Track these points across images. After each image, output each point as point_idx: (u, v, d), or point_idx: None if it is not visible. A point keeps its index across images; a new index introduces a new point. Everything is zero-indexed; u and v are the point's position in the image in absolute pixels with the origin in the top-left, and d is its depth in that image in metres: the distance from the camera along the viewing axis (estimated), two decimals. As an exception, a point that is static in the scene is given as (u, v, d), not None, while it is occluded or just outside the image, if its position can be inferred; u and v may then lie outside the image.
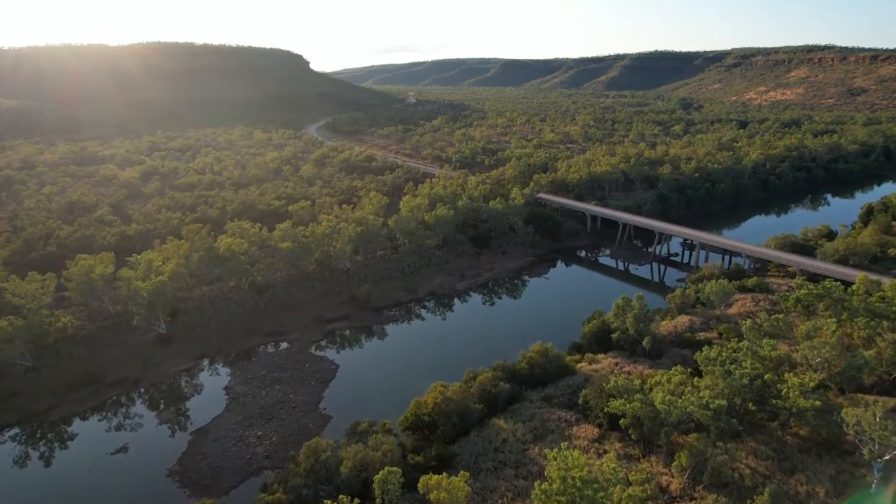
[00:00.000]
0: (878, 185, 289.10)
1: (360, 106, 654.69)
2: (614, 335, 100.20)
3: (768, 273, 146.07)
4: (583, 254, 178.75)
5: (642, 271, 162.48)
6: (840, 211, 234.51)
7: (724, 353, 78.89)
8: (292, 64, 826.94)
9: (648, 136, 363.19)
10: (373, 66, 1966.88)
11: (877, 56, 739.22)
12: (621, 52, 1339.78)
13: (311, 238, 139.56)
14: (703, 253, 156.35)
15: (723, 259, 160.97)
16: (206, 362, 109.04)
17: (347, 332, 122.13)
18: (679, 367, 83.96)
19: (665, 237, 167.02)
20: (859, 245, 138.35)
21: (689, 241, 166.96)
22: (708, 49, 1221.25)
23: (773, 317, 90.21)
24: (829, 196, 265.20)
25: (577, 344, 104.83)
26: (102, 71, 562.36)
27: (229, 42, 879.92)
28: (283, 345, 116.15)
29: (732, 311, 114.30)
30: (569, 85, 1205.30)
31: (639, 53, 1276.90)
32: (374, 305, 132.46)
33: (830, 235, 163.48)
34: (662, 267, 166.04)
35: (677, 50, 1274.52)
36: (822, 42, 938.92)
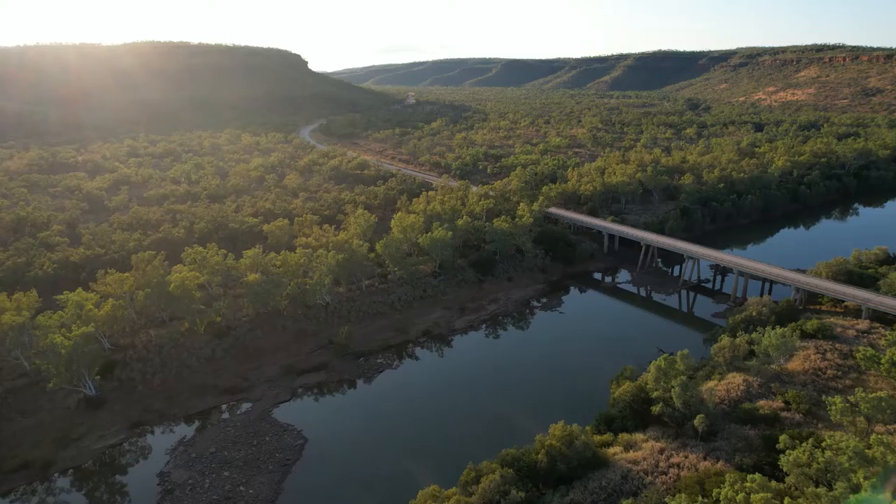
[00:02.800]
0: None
1: (357, 107, 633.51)
2: (655, 407, 78.56)
3: (821, 306, 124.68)
4: (599, 276, 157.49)
5: (669, 300, 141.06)
6: (879, 225, 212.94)
7: (818, 459, 57.49)
8: (289, 64, 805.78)
9: (661, 140, 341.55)
10: (374, 66, 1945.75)
11: (891, 55, 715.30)
12: (624, 51, 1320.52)
13: (284, 268, 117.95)
14: (740, 280, 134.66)
15: (762, 287, 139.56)
16: (142, 434, 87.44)
17: (322, 388, 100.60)
18: (746, 459, 63.21)
19: (695, 261, 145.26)
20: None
21: (722, 266, 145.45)
22: (713, 49, 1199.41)
23: (872, 396, 68.37)
24: (859, 207, 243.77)
25: (606, 415, 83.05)
26: (99, 70, 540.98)
27: (225, 41, 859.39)
28: (244, 406, 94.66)
29: (794, 365, 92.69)
30: (571, 85, 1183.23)
31: (642, 53, 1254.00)
32: (356, 350, 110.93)
33: (889, 261, 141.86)
34: (692, 294, 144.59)
35: (681, 49, 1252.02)
36: (831, 41, 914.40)
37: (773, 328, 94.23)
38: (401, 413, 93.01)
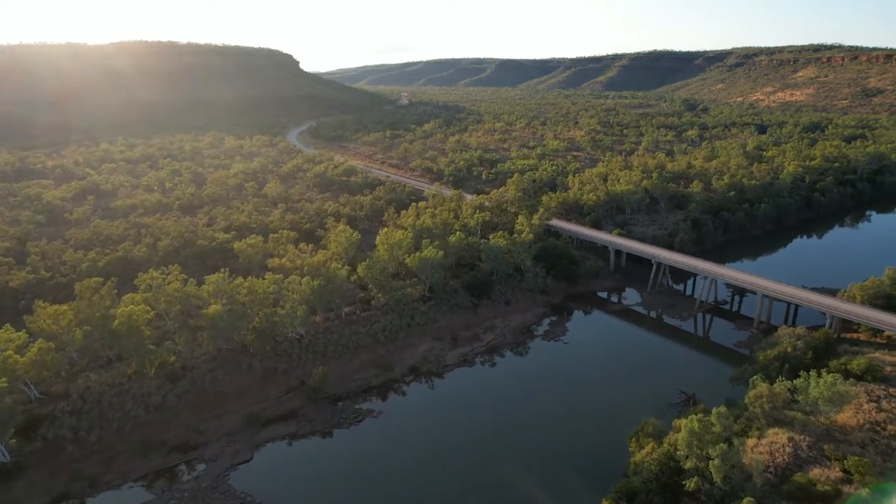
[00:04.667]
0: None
1: (348, 108, 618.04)
2: (689, 482, 64.32)
3: (857, 335, 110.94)
4: (605, 295, 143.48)
5: (685, 325, 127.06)
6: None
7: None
8: (280, 64, 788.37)
9: (663, 143, 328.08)
10: (367, 67, 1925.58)
11: (891, 55, 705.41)
12: (619, 51, 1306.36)
13: (251, 297, 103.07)
14: (764, 302, 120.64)
15: (787, 310, 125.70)
16: (67, 511, 72.46)
17: (291, 442, 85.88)
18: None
19: (712, 281, 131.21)
20: None
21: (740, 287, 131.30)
22: (708, 48, 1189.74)
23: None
24: (873, 214, 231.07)
25: (628, 487, 68.43)
26: (89, 70, 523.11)
27: (216, 41, 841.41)
28: (198, 468, 79.89)
29: (845, 418, 78.57)
30: (566, 85, 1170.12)
31: (637, 53, 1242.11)
32: (332, 393, 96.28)
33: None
34: (709, 318, 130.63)
35: (677, 49, 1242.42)
36: (827, 41, 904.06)
37: (817, 373, 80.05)
38: (385, 476, 78.37)
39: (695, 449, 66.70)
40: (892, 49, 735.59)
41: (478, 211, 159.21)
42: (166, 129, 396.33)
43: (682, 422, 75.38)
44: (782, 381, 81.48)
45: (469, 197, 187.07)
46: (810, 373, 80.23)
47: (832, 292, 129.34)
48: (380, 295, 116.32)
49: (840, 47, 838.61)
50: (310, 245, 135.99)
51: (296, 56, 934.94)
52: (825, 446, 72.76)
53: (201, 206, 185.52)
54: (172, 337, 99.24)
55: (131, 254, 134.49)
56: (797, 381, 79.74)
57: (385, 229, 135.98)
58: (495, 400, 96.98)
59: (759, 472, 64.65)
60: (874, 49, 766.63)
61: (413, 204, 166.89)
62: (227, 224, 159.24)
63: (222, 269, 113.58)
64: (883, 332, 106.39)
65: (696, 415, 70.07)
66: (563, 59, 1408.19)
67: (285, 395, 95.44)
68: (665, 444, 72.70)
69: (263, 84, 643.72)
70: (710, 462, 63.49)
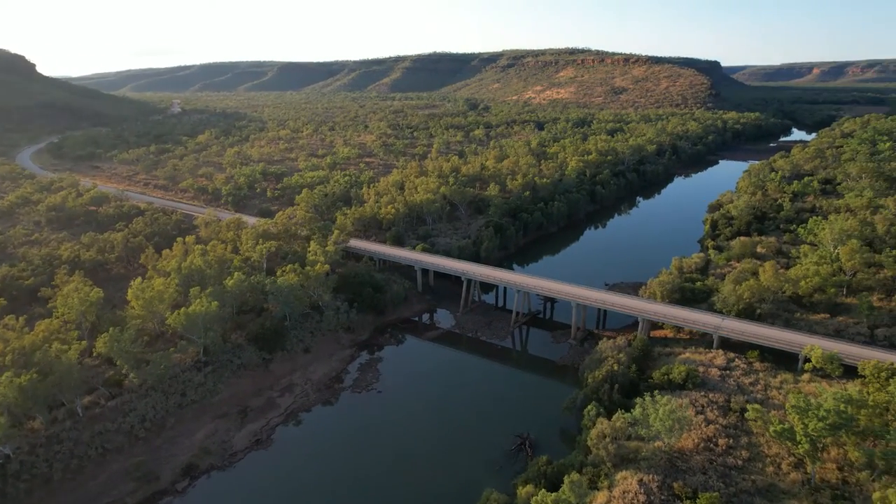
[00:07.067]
0: (671, 182, 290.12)
1: (104, 119, 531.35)
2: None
3: (664, 332, 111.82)
4: (418, 319, 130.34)
5: (505, 342, 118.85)
6: (666, 218, 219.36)
7: None
8: (7, 66, 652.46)
9: (454, 145, 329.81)
10: (131, 71, 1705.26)
11: (629, 59, 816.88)
12: (402, 53, 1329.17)
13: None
14: (579, 310, 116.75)
15: (599, 314, 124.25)
16: None
17: None
18: None
19: (525, 294, 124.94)
20: (763, 289, 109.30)
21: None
22: (483, 51, 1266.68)
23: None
24: (641, 200, 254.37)
25: None
26: None
27: None
28: None
29: (683, 440, 73.68)
30: (352, 88, 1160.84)
31: (419, 55, 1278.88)
32: (62, 539, 67.56)
33: (705, 268, 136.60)
34: (527, 331, 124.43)
35: (455, 52, 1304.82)
36: (581, 45, 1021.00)
37: (651, 395, 74.25)
38: None
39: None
40: (629, 53, 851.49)
41: (261, 240, 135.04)
42: None
43: (527, 489, 63.77)
44: (622, 413, 74.42)
45: (252, 221, 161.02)
46: (645, 398, 74.16)
47: (635, 288, 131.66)
48: (133, 375, 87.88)
49: (590, 51, 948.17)
50: (22, 317, 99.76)
51: (30, 58, 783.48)
52: (674, 483, 66.20)
53: None
54: None
55: None
56: (635, 412, 72.90)
57: (136, 282, 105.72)
58: (295, 493, 76.47)
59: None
60: (616, 53, 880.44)
61: (179, 240, 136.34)
62: None
63: None
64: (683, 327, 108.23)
65: (542, 482, 58.09)
66: (348, 61, 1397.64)
67: (-19, 560, 64.46)
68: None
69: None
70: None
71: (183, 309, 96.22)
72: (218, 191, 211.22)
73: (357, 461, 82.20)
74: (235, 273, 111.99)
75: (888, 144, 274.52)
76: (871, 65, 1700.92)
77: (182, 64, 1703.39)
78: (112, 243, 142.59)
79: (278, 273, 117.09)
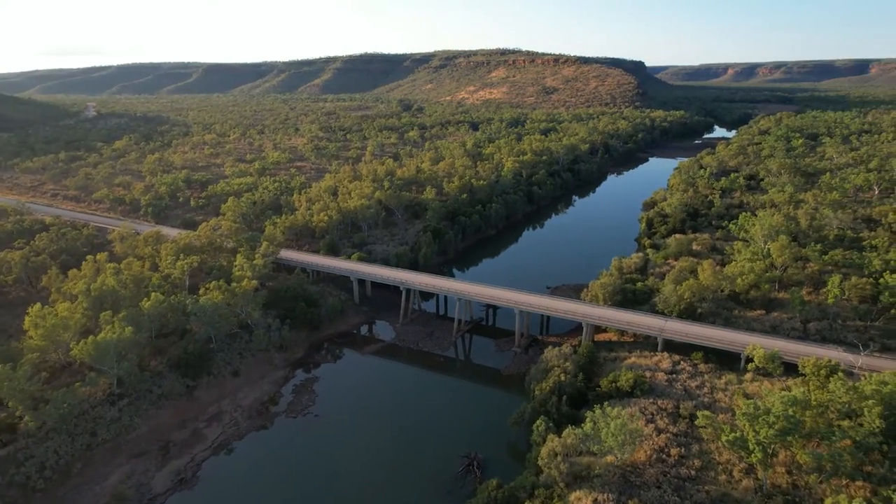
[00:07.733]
0: (605, 180, 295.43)
1: (6, 124, 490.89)
2: None
3: (608, 334, 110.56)
4: (356, 332, 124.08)
5: (448, 352, 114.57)
6: (603, 216, 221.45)
7: None
8: None
9: (388, 147, 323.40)
10: (39, 72, 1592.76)
11: (558, 59, 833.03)
12: (332, 54, 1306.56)
13: None
14: (522, 316, 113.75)
15: (542, 319, 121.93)
16: None
17: None
18: None
19: (466, 302, 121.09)
20: (703, 288, 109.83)
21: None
22: (415, 51, 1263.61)
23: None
24: (576, 198, 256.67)
25: None
26: None
27: None
28: None
29: (638, 455, 71.29)
30: (282, 89, 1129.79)
31: (350, 56, 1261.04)
32: None
33: (645, 267, 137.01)
34: (470, 340, 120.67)
35: (387, 52, 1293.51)
36: (512, 46, 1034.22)
37: (601, 408, 71.66)
38: None
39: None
40: (559, 54, 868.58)
41: (183, 255, 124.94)
42: None
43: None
44: (572, 429, 71.25)
45: (173, 234, 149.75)
46: (595, 410, 71.45)
47: (577, 290, 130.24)
48: (28, 417, 77.65)
49: (521, 52, 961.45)
50: None
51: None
52: (629, 502, 63.48)
53: None
54: None
55: None
56: (586, 427, 69.92)
57: (35, 308, 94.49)
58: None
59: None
60: (546, 54, 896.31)
61: (89, 257, 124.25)
62: None
63: None
64: (626, 331, 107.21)
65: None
66: (277, 62, 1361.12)
67: None
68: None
69: None
70: None
71: (91, 337, 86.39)
72: (136, 201, 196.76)
73: (292, 494, 75.65)
74: (153, 293, 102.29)
75: (801, 141, 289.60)
76: (777, 66, 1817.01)
77: (98, 65, 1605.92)
78: (9, 263, 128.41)
79: (201, 291, 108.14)
